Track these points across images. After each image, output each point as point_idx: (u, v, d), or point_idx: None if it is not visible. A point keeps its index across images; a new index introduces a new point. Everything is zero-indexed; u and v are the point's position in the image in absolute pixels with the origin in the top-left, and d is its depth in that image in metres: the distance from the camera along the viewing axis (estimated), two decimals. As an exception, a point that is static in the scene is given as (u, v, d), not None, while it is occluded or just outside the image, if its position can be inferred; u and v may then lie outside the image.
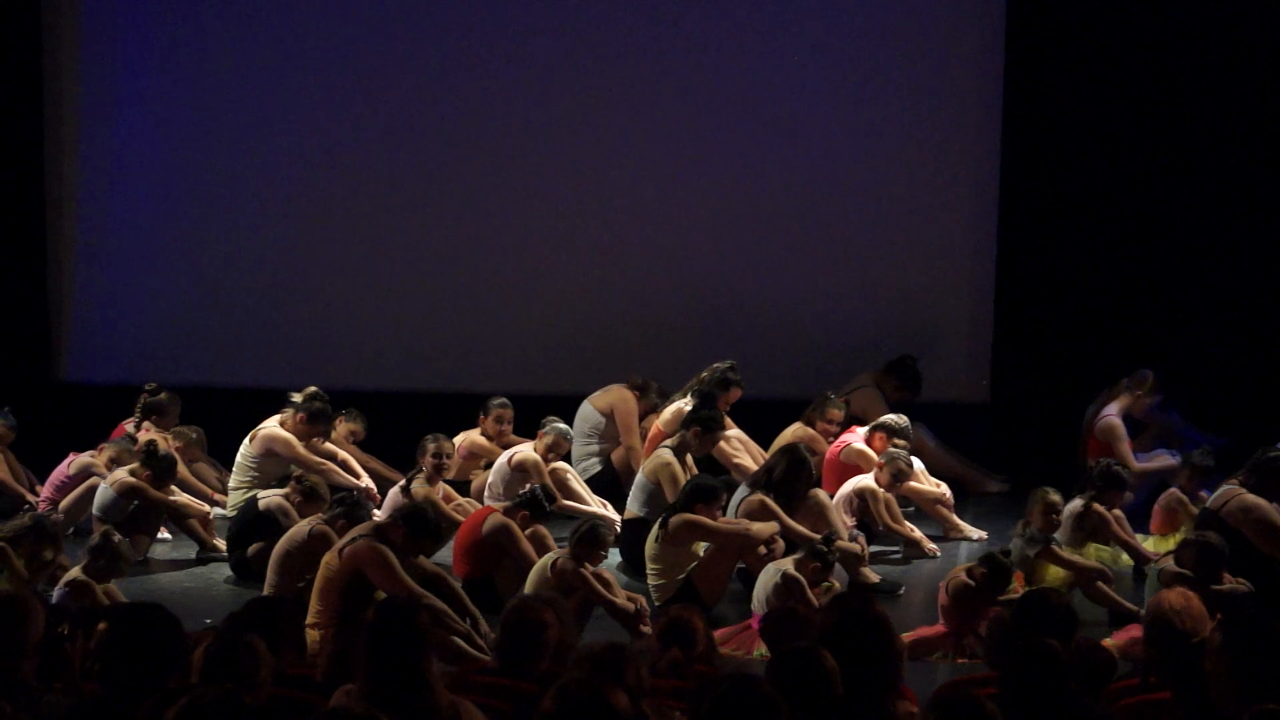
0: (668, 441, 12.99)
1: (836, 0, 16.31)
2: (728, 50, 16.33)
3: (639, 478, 12.86)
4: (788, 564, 11.05)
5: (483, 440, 14.19)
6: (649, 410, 14.43)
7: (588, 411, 14.53)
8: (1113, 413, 14.53)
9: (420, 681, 6.40)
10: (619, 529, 12.76)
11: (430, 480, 12.80)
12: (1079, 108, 15.90)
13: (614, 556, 12.30)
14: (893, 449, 13.40)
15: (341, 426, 14.22)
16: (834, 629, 6.62)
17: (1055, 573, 11.56)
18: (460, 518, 12.25)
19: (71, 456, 13.50)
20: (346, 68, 16.55)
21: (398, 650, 6.40)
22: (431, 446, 12.90)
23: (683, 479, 12.34)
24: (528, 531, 11.51)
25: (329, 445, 13.76)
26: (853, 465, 13.64)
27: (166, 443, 13.58)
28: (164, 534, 13.29)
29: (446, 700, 6.43)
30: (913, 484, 13.60)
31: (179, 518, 13.09)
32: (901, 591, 12.14)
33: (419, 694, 6.37)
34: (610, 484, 14.09)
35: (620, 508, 13.19)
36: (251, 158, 16.68)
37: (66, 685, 6.94)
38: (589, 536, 10.75)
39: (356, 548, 10.30)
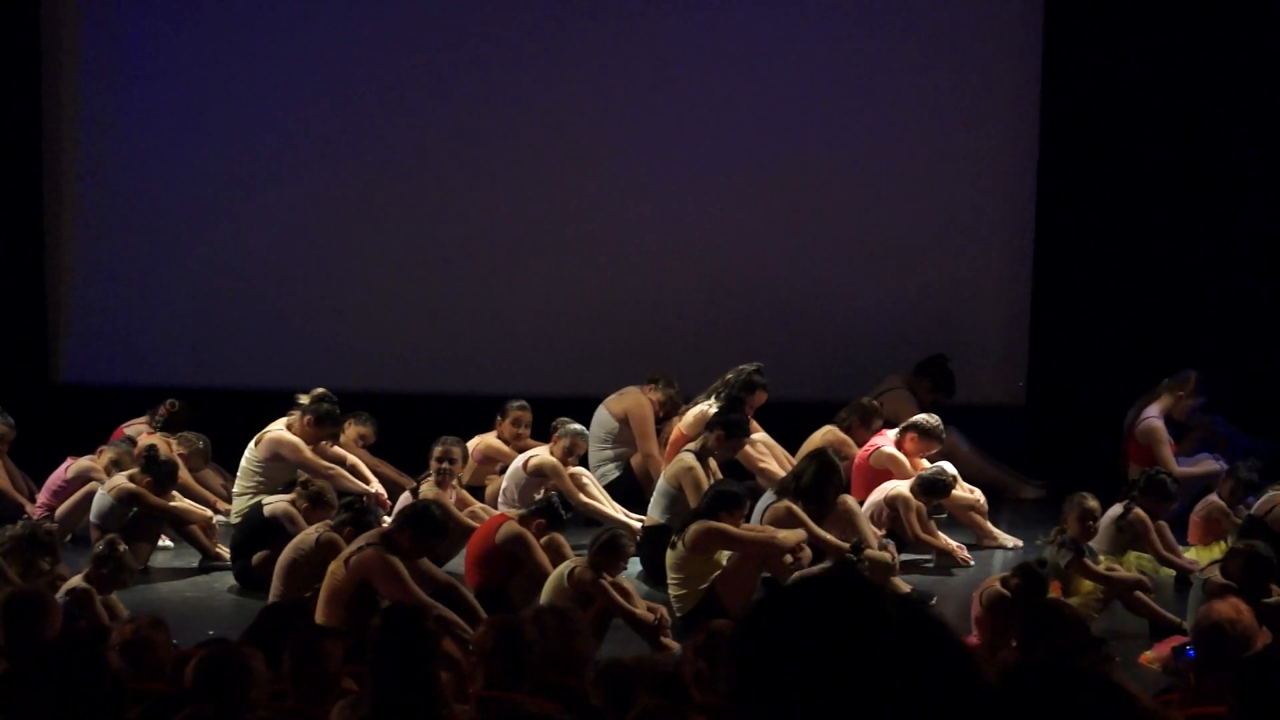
0: (690, 445, 12.78)
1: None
2: (755, 42, 16.09)
3: (660, 483, 12.66)
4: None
5: (498, 444, 13.94)
6: (669, 414, 14.17)
7: (603, 416, 14.25)
8: (1154, 415, 14.26)
9: (427, 691, 6.36)
10: (639, 537, 12.50)
11: (440, 484, 12.57)
12: (1118, 102, 15.73)
13: (634, 565, 12.07)
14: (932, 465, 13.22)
15: (351, 430, 13.99)
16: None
17: (1091, 583, 11.34)
18: (474, 524, 12.01)
19: (69, 461, 13.32)
20: (356, 63, 16.31)
21: (404, 658, 6.35)
22: (437, 450, 12.66)
23: (705, 484, 12.11)
24: (544, 540, 11.27)
25: (338, 449, 13.55)
26: (883, 470, 13.39)
27: (169, 447, 13.38)
28: (165, 542, 13.08)
29: (452, 711, 6.41)
30: (945, 490, 13.44)
31: (180, 524, 12.87)
32: (933, 602, 11.84)
33: (426, 704, 6.32)
34: (630, 490, 13.80)
35: (641, 514, 12.94)
36: (256, 156, 16.45)
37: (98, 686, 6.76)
38: (609, 545, 10.53)
39: (363, 557, 10.20)
